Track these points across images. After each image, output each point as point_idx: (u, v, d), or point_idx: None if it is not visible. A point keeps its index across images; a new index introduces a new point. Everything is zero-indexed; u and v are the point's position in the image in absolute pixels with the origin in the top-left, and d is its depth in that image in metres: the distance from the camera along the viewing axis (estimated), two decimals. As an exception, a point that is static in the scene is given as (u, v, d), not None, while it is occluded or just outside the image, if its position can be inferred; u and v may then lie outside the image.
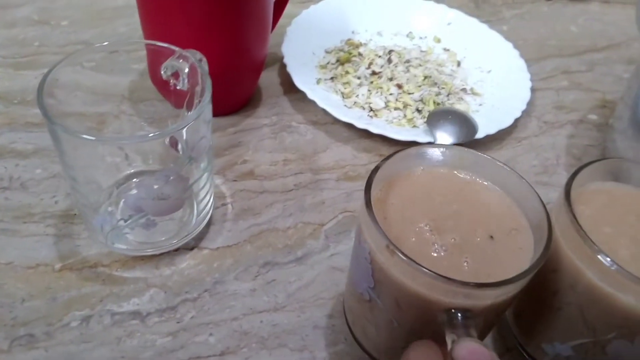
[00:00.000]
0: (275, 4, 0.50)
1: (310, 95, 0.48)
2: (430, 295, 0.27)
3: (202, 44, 0.43)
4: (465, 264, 0.28)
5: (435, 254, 0.28)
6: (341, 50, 0.57)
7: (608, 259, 0.27)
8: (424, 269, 0.25)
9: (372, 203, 0.29)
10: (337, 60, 0.55)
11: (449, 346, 0.26)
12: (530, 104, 0.52)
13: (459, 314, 0.26)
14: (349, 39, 0.59)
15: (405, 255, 0.26)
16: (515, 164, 0.48)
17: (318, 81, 0.52)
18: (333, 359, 0.34)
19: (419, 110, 0.51)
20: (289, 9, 0.53)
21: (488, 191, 0.32)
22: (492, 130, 0.48)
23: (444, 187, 0.32)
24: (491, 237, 0.29)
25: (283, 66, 0.52)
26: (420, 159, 0.33)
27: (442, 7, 0.62)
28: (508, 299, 0.28)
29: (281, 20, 0.53)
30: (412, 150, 0.32)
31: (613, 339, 0.29)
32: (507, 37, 0.59)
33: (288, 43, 0.54)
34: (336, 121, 0.48)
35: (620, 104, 0.49)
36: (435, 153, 0.33)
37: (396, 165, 0.32)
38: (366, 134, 0.47)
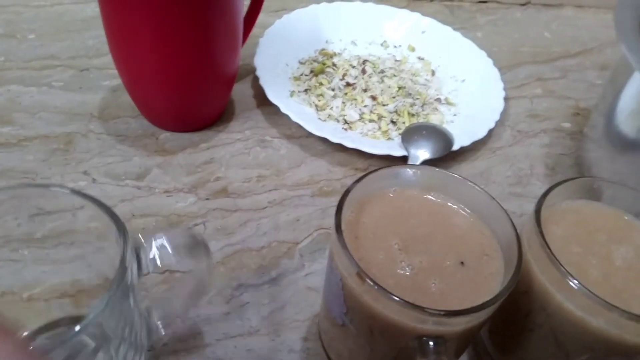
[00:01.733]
0: (246, 16, 0.49)
1: (284, 109, 0.48)
2: (401, 322, 0.26)
3: (170, 58, 0.42)
4: (433, 285, 0.28)
5: (401, 271, 0.28)
6: (315, 60, 0.56)
7: (578, 284, 0.27)
8: (394, 297, 0.25)
9: (344, 225, 0.29)
10: (311, 72, 0.55)
11: None
12: (504, 112, 0.52)
13: (431, 342, 0.26)
14: (322, 49, 0.58)
15: (375, 283, 0.26)
16: (490, 175, 0.48)
17: (292, 94, 0.52)
18: (308, 383, 0.34)
19: (393, 122, 0.50)
20: (261, 18, 0.52)
21: (460, 215, 0.31)
22: (466, 142, 0.48)
23: (417, 209, 0.32)
24: (462, 262, 0.29)
25: (256, 78, 0.51)
26: (392, 180, 0.32)
27: (417, 15, 0.61)
28: (479, 324, 0.27)
29: (254, 31, 0.52)
30: (384, 171, 0.32)
31: (585, 360, 0.29)
32: (481, 45, 0.59)
33: (260, 55, 0.53)
34: (311, 134, 0.48)
35: (594, 112, 0.50)
36: (407, 174, 0.33)
37: (368, 187, 0.31)
38: (341, 147, 0.47)
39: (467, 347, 0.31)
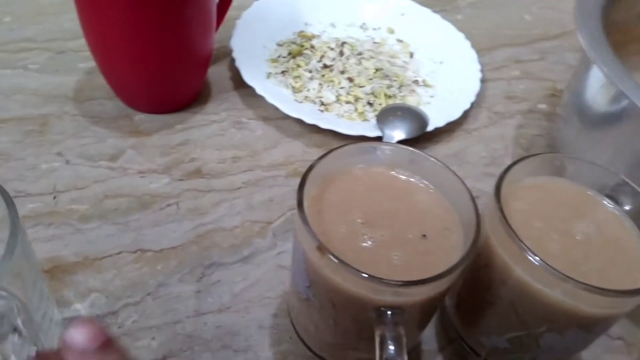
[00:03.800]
0: (220, -4, 0.49)
1: (260, 90, 0.48)
2: (360, 293, 0.27)
3: (142, 41, 0.42)
4: (395, 258, 0.28)
5: (364, 244, 0.29)
6: (293, 42, 0.56)
7: (536, 257, 0.27)
8: (351, 269, 0.26)
9: (308, 201, 0.29)
10: (289, 54, 0.55)
11: (377, 341, 0.26)
12: (481, 94, 0.53)
13: (388, 312, 0.27)
14: (301, 31, 0.58)
15: (334, 255, 0.26)
16: (465, 155, 0.48)
17: (268, 75, 0.52)
18: (277, 359, 0.34)
19: (370, 104, 0.51)
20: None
21: (424, 191, 0.32)
22: (441, 123, 0.48)
23: (382, 185, 0.32)
24: (424, 235, 0.29)
25: (233, 60, 0.51)
26: (358, 157, 0.33)
27: (397, -3, 0.61)
28: (438, 295, 0.28)
29: (232, 12, 0.52)
30: (349, 148, 0.32)
31: (545, 332, 0.29)
32: (461, 27, 0.59)
33: (237, 37, 0.53)
34: (287, 116, 0.48)
35: (566, 92, 0.50)
36: (373, 151, 0.33)
37: (333, 164, 0.32)
38: (317, 128, 0.47)
39: (430, 319, 0.32)
